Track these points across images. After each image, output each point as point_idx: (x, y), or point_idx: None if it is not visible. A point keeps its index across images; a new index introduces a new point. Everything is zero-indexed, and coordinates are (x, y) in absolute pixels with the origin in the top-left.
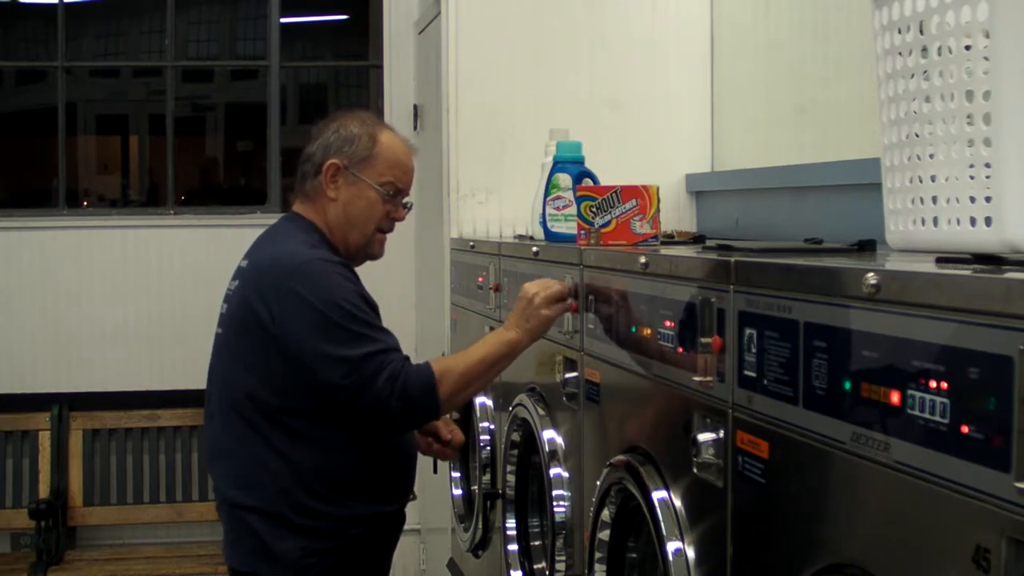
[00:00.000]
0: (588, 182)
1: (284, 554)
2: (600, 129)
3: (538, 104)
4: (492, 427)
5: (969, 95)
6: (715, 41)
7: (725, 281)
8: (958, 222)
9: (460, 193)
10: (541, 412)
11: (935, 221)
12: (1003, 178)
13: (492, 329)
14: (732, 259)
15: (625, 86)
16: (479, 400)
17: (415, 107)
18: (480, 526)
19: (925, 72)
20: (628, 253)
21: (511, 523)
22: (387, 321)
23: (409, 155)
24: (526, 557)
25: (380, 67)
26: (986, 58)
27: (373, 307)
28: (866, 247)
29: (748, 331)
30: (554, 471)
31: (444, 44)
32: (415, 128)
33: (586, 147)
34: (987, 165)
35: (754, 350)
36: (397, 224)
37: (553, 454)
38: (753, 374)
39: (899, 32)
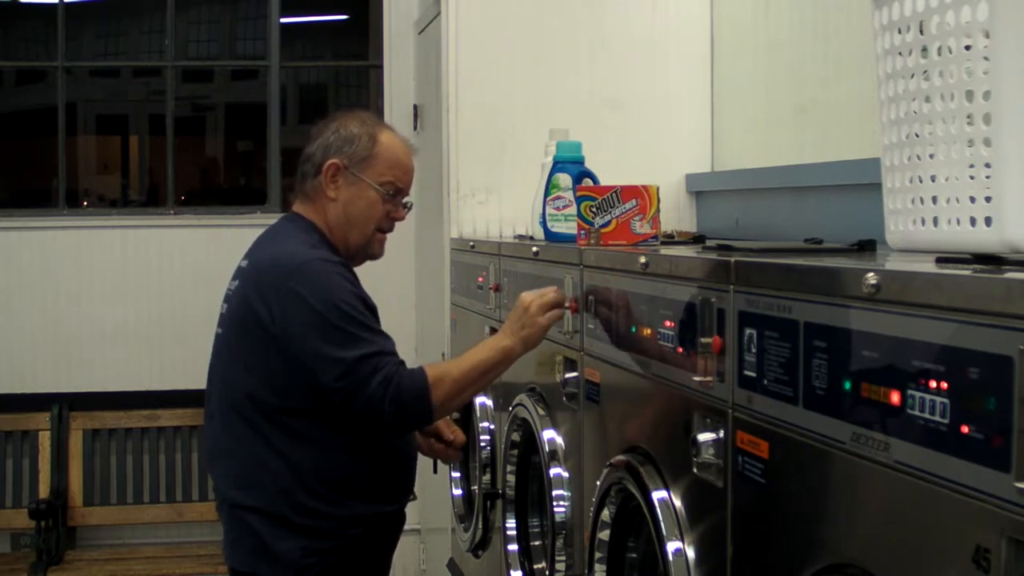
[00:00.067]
0: (588, 182)
1: (284, 554)
2: (600, 129)
3: (538, 104)
4: (492, 427)
5: (969, 95)
6: (715, 41)
7: (725, 281)
8: (958, 222)
9: (460, 193)
10: (541, 412)
11: (935, 221)
12: (1003, 178)
13: (492, 330)
14: (732, 259)
15: (625, 86)
16: (479, 400)
17: (415, 107)
18: (480, 526)
19: (925, 72)
20: (628, 253)
21: (511, 523)
22: (387, 321)
23: (409, 155)
24: (526, 557)
25: (380, 67)
26: (986, 58)
27: (372, 309)
28: (866, 247)
29: (748, 331)
30: (554, 471)
31: (444, 44)
32: (415, 128)
33: (586, 147)
34: (987, 165)
35: (754, 350)
36: (397, 224)
37: (553, 454)
38: (753, 374)
39: (899, 32)
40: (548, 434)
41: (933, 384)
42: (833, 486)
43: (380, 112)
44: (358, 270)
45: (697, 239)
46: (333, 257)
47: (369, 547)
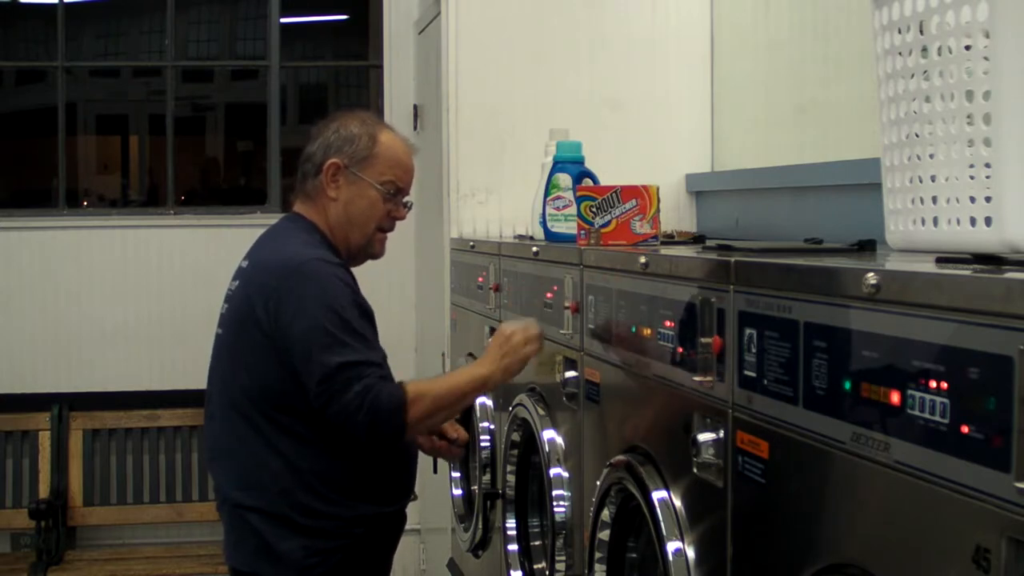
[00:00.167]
0: (588, 182)
1: (287, 554)
2: (600, 129)
3: (538, 104)
4: (492, 427)
5: (969, 95)
6: (715, 41)
7: (725, 281)
8: (958, 222)
9: (460, 193)
10: (541, 412)
11: (935, 221)
12: (1003, 178)
13: (492, 330)
14: (732, 259)
15: (625, 86)
16: (479, 400)
17: (415, 107)
18: (480, 526)
19: (925, 72)
20: (628, 253)
21: (511, 523)
22: (387, 321)
23: (409, 154)
24: (526, 557)
25: (380, 67)
26: (986, 58)
27: (367, 315)
28: (866, 247)
29: (748, 331)
30: (554, 471)
31: (444, 44)
32: (415, 128)
33: (586, 147)
34: (987, 165)
35: (754, 350)
36: (397, 224)
37: (553, 454)
38: (753, 374)
39: (899, 32)
40: (548, 434)
41: (933, 384)
42: (833, 486)
43: (380, 112)
44: (358, 270)
45: (697, 239)
46: (333, 259)
47: (371, 547)
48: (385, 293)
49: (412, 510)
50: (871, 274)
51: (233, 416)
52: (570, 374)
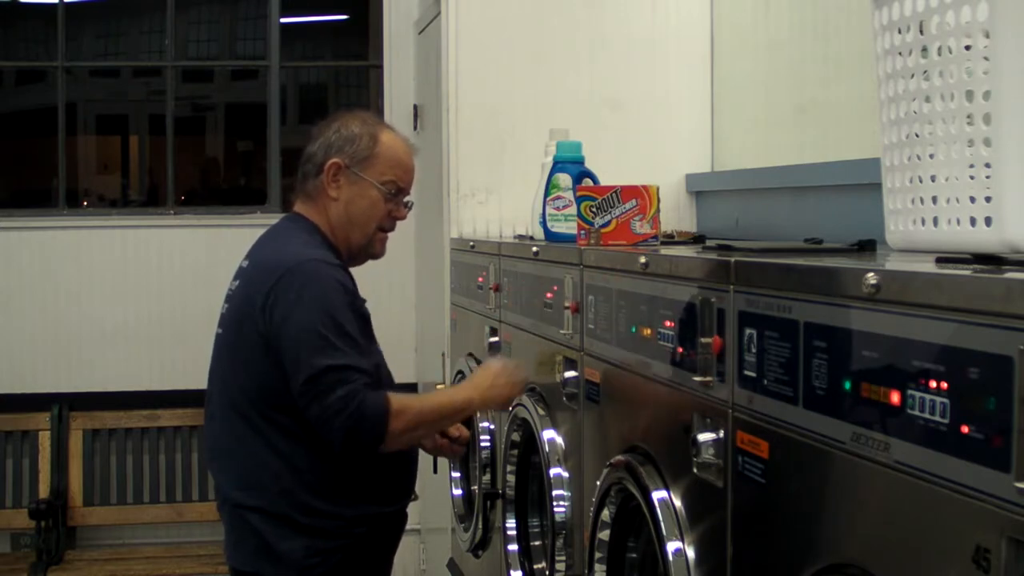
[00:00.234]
0: (588, 182)
1: (287, 554)
2: (600, 129)
3: (538, 104)
4: (492, 427)
5: (969, 95)
6: (715, 41)
7: (725, 281)
8: (958, 222)
9: (460, 193)
10: (541, 412)
11: (935, 221)
12: (1003, 178)
13: (492, 330)
14: (732, 259)
15: (625, 86)
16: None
17: (415, 107)
18: (480, 526)
19: (925, 72)
20: (628, 253)
21: (511, 523)
22: (387, 321)
23: (410, 154)
24: (526, 557)
25: (380, 67)
26: (986, 58)
27: (363, 319)
28: (866, 247)
29: (748, 331)
30: (554, 471)
31: (444, 44)
32: (415, 128)
33: (586, 147)
34: (987, 165)
35: (754, 350)
36: (397, 224)
37: (553, 454)
38: (753, 374)
39: (899, 32)
40: (548, 434)
41: (933, 384)
42: (833, 486)
43: (380, 112)
44: (358, 269)
45: (697, 239)
46: (333, 260)
47: (372, 547)
48: (385, 293)
49: (412, 510)
50: (871, 274)
51: (233, 416)
52: (570, 374)
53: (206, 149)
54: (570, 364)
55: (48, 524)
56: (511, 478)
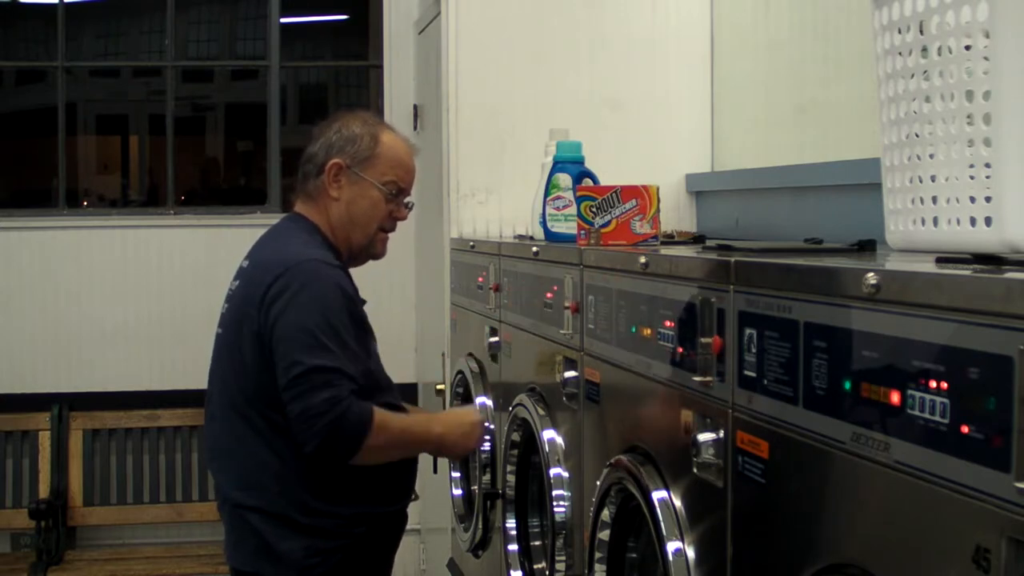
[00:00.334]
0: (588, 182)
1: (287, 554)
2: (600, 129)
3: (538, 104)
4: (492, 427)
5: (969, 95)
6: (715, 41)
7: (725, 281)
8: (958, 222)
9: (460, 193)
10: (541, 412)
11: (935, 221)
12: (1003, 178)
13: (492, 331)
14: (732, 259)
15: (625, 86)
16: (479, 400)
17: (415, 107)
18: (480, 526)
19: (925, 72)
20: (628, 253)
21: (511, 523)
22: (387, 321)
23: (411, 155)
24: (526, 557)
25: (380, 67)
26: (986, 58)
27: (359, 323)
28: (866, 247)
29: (748, 331)
30: (554, 471)
31: (444, 44)
32: (415, 128)
33: (586, 147)
34: (987, 165)
35: (754, 350)
36: (398, 224)
37: (553, 454)
38: (753, 374)
39: (899, 32)
40: (548, 434)
41: (933, 384)
42: (833, 486)
43: (380, 112)
44: (358, 270)
45: (697, 239)
46: (333, 261)
47: (372, 547)
48: (385, 293)
49: (412, 510)
50: (871, 274)
51: (233, 416)
52: (570, 374)
53: (206, 149)
54: (570, 364)
55: (48, 524)
56: (511, 478)
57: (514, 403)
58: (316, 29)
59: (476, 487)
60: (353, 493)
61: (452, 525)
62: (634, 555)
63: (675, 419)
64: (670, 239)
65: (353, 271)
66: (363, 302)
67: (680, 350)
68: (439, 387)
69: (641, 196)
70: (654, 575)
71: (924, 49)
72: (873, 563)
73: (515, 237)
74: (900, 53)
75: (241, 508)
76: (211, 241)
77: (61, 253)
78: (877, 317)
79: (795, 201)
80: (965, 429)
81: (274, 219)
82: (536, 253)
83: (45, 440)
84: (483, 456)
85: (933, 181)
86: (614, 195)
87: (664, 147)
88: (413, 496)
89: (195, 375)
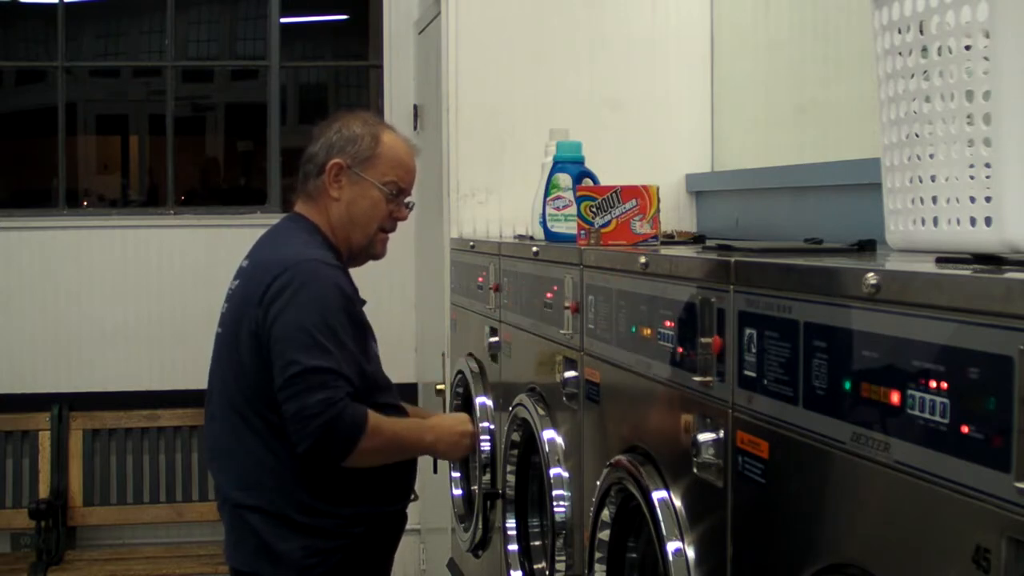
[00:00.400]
0: (588, 182)
1: (287, 554)
2: (600, 129)
3: (538, 104)
4: (492, 427)
5: (969, 95)
6: (715, 41)
7: (725, 281)
8: (958, 222)
9: (460, 193)
10: (541, 412)
11: (935, 221)
12: (1003, 178)
13: (492, 331)
14: (732, 259)
15: (625, 86)
16: (479, 400)
17: (415, 107)
18: (480, 526)
19: (925, 72)
20: (628, 253)
21: (511, 523)
22: (387, 321)
23: (411, 155)
24: (526, 557)
25: (380, 67)
26: (986, 58)
27: (357, 325)
28: (866, 247)
29: (748, 331)
30: (554, 471)
31: (444, 44)
32: (415, 128)
33: (586, 147)
34: (987, 165)
35: (754, 350)
36: (398, 224)
37: (553, 454)
38: (753, 374)
39: (899, 32)
40: (548, 434)
41: (933, 384)
42: (833, 486)
43: (380, 112)
44: (357, 270)
45: (697, 239)
46: (333, 261)
47: (371, 547)
48: (385, 293)
49: (412, 510)
50: (871, 274)
51: (233, 416)
52: (570, 374)
53: (206, 149)
54: (570, 364)
55: (48, 524)
56: (511, 478)
57: (514, 403)
58: (316, 29)
59: (476, 487)
60: (353, 493)
61: (452, 525)
62: (634, 555)
63: (675, 419)
64: (670, 239)
65: (353, 271)
66: (363, 302)
67: (680, 350)
68: (439, 387)
69: (641, 196)
70: (654, 575)
71: (924, 49)
72: (873, 563)
73: (515, 237)
74: (900, 53)
75: (241, 508)
76: (211, 241)
77: (61, 253)
78: (877, 317)
79: (795, 201)
80: (965, 429)
81: (274, 219)
82: (536, 253)
83: (45, 440)
84: (483, 456)
85: (933, 181)
86: (614, 195)
87: (664, 147)
88: (413, 496)
89: (195, 375)
